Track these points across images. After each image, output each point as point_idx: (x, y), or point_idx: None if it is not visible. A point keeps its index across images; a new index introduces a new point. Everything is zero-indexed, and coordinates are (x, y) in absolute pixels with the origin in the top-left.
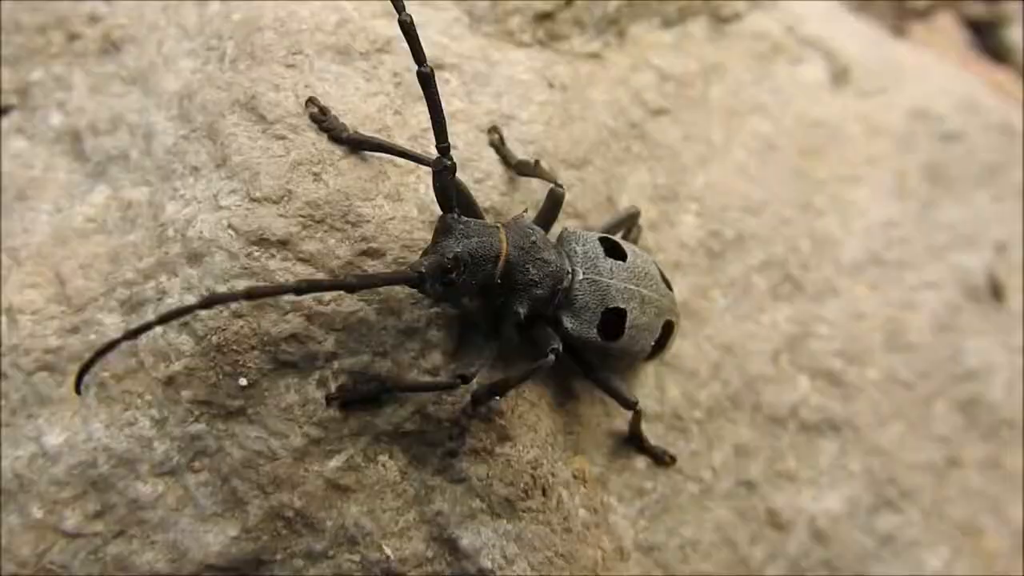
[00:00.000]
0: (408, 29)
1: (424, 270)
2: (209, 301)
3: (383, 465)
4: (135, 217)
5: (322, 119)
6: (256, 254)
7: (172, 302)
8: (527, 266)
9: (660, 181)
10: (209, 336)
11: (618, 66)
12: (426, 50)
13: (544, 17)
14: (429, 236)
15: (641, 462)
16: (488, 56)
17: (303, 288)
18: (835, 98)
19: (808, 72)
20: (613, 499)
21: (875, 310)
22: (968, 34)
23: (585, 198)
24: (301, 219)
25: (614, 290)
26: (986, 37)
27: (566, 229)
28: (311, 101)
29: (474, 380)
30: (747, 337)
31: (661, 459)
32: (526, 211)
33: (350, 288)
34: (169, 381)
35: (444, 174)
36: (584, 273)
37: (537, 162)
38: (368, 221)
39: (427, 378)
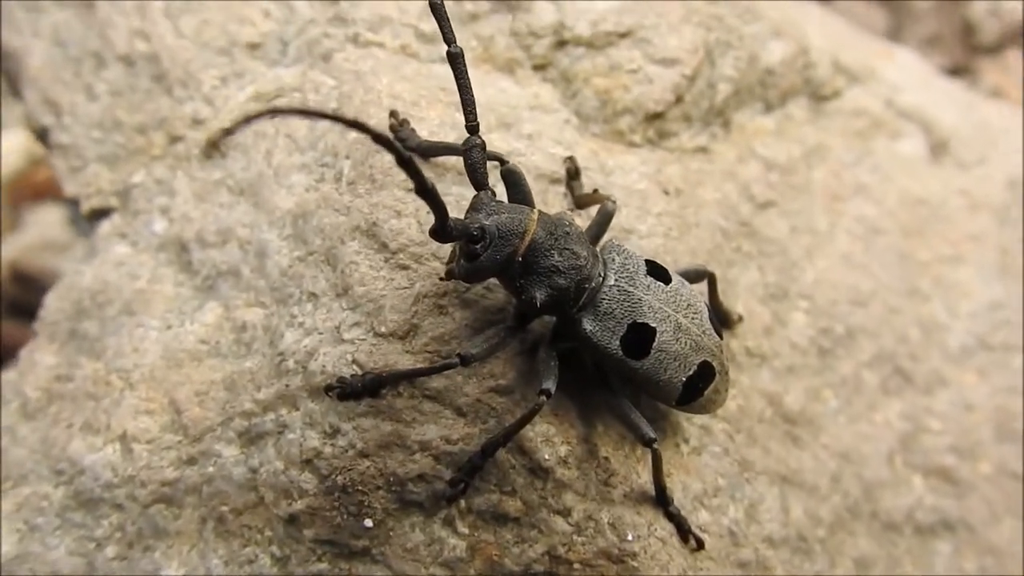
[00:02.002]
0: (436, 8)
1: (452, 224)
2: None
3: None
4: (250, 341)
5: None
6: (382, 391)
7: (294, 437)
8: (552, 251)
9: (770, 279)
10: (334, 476)
11: (725, 158)
12: (543, 163)
13: (655, 117)
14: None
15: None
16: (603, 164)
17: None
18: (935, 173)
19: (907, 147)
20: None
21: (984, 399)
22: None
23: None
24: (428, 355)
25: (646, 305)
26: None
27: (612, 240)
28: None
29: (473, 362)
30: (861, 440)
31: (685, 534)
32: (571, 210)
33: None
34: (291, 519)
35: (474, 151)
36: (616, 280)
37: (596, 191)
38: (496, 356)
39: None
